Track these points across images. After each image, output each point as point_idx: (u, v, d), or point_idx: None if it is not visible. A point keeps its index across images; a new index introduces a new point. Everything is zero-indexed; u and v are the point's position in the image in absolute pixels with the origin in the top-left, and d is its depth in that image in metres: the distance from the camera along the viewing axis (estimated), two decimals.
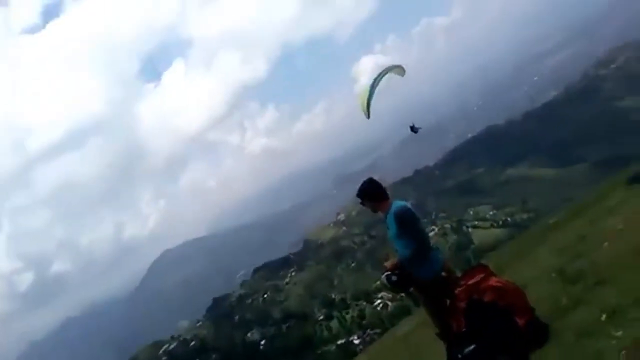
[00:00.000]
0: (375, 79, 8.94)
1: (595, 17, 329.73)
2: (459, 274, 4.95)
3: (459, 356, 4.58)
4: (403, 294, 5.36)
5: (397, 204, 4.91)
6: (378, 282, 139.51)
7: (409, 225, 4.80)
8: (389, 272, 4.98)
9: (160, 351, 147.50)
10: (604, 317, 3.72)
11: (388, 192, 5.32)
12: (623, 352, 3.02)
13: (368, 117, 9.50)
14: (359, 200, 5.24)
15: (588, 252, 6.35)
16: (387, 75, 8.99)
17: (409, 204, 5.01)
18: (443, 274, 4.82)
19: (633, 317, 3.35)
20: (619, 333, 3.28)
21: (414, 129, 10.59)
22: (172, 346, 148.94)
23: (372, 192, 5.04)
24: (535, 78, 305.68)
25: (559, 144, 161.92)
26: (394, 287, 5.02)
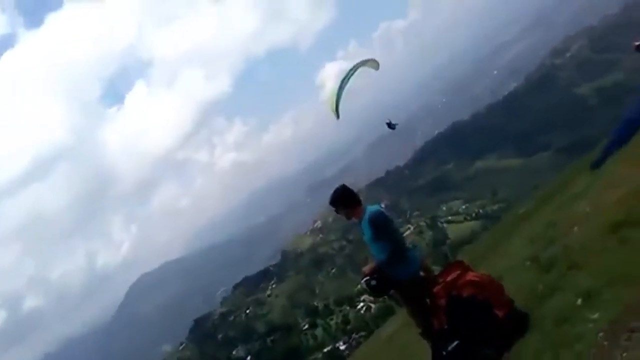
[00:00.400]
0: (344, 77, 8.95)
1: (548, 6, 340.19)
2: (437, 271, 4.99)
3: (444, 353, 4.59)
4: (384, 297, 5.37)
5: (370, 209, 4.92)
6: (359, 286, 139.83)
7: (383, 228, 4.83)
8: (367, 277, 4.99)
9: None
10: (579, 301, 3.78)
11: (362, 195, 5.32)
12: (600, 334, 3.07)
13: (337, 117, 9.50)
14: (333, 208, 5.20)
15: (559, 238, 6.47)
16: (359, 73, 9.01)
17: (381, 208, 5.03)
18: (421, 273, 4.84)
19: (607, 299, 3.41)
20: (595, 316, 3.33)
21: (390, 126, 10.68)
22: None
23: (344, 200, 5.05)
24: (495, 71, 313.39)
25: (523, 134, 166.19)
26: (373, 291, 5.04)
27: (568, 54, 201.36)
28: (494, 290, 4.47)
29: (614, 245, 4.10)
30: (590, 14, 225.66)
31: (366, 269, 5.04)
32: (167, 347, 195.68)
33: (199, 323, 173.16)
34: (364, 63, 9.11)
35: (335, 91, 8.88)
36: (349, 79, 8.95)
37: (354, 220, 5.02)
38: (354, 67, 8.94)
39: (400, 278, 4.77)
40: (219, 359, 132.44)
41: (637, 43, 13.30)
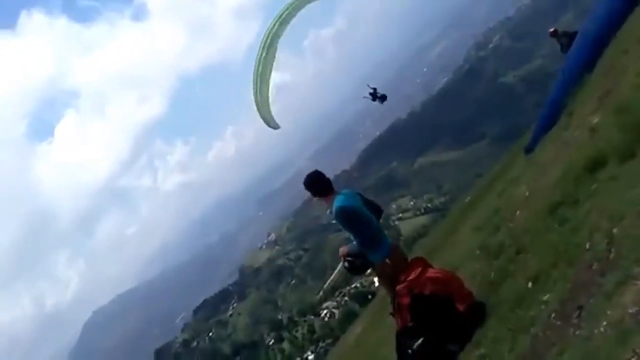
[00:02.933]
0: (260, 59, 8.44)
1: (465, 4, 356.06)
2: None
3: (409, 351, 4.64)
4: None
5: (337, 200, 4.92)
6: (321, 293, 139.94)
7: (347, 223, 4.89)
8: (342, 259, 5.12)
9: None
10: (530, 284, 3.92)
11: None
12: (552, 314, 3.19)
13: (269, 120, 9.16)
14: (307, 195, 5.24)
15: (504, 224, 6.73)
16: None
17: (347, 198, 4.98)
18: (387, 261, 4.86)
19: (555, 279, 3.56)
20: (546, 297, 3.46)
21: (376, 96, 9.97)
22: None
23: (316, 187, 5.07)
24: (425, 69, 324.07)
25: (458, 126, 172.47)
26: (349, 272, 5.23)
27: (490, 46, 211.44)
28: (455, 285, 4.58)
29: (555, 226, 4.30)
30: (505, 6, 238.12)
31: (342, 250, 5.16)
32: None
33: (160, 353, 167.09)
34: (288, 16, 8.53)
35: (256, 80, 8.52)
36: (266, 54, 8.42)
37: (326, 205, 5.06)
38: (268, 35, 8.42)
39: (373, 261, 4.82)
40: None
41: (551, 29, 14.20)
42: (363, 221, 4.85)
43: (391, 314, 5.08)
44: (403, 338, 4.77)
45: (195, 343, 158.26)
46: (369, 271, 5.15)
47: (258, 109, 8.80)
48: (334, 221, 5.16)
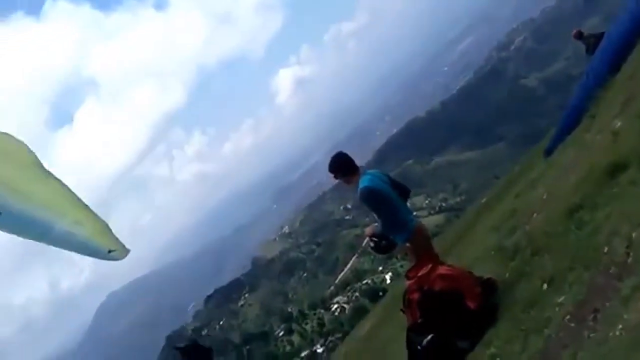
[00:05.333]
0: None
1: (490, 3, 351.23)
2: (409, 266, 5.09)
3: (418, 347, 4.66)
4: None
5: (362, 181, 4.92)
6: (332, 288, 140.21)
7: (371, 204, 4.89)
8: (368, 239, 5.19)
9: None
10: (545, 286, 3.90)
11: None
12: (567, 316, 3.18)
13: None
14: (332, 176, 5.15)
15: (521, 225, 6.67)
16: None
17: (373, 178, 4.98)
18: (407, 244, 4.84)
19: (571, 281, 3.53)
20: (561, 299, 3.44)
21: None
22: None
23: (341, 168, 5.09)
24: (446, 68, 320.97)
25: (478, 127, 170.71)
26: (374, 252, 5.28)
27: (513, 47, 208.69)
28: (465, 283, 4.57)
29: (573, 229, 4.26)
30: (529, 7, 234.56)
31: (368, 230, 5.21)
32: None
33: (171, 340, 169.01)
34: None
35: None
36: None
37: (352, 186, 5.08)
38: None
39: (397, 242, 4.85)
40: None
41: (575, 31, 14.00)
42: (387, 202, 4.81)
43: (402, 310, 5.10)
44: (412, 334, 4.80)
45: (205, 331, 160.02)
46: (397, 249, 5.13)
47: None
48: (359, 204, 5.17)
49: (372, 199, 4.84)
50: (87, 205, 3.21)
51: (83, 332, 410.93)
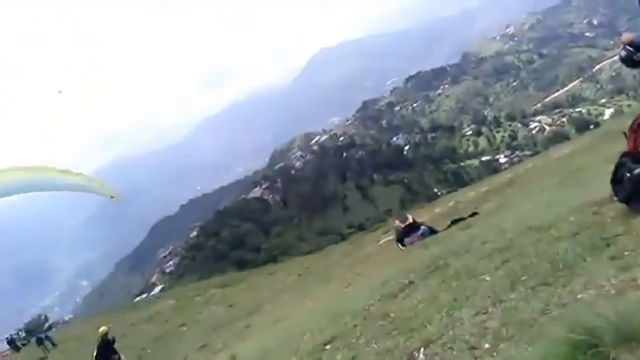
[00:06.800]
0: None
1: None
2: None
3: (627, 174, 4.58)
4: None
5: None
6: (539, 104, 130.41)
7: None
8: (623, 45, 4.90)
9: (312, 141, 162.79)
10: None
11: None
12: None
13: None
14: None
15: None
16: None
17: None
18: None
19: None
20: None
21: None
22: (323, 138, 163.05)
23: None
24: None
25: None
26: (622, 61, 5.04)
27: None
28: None
29: None
30: None
31: (627, 36, 4.90)
32: (334, 120, 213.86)
33: (366, 105, 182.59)
34: None
35: None
36: None
37: None
38: None
39: None
40: (379, 141, 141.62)
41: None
42: None
43: (624, 133, 4.86)
44: (627, 159, 4.66)
45: (398, 107, 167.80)
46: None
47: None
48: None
49: None
50: (99, 178, 7.03)
51: (295, 75, 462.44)
